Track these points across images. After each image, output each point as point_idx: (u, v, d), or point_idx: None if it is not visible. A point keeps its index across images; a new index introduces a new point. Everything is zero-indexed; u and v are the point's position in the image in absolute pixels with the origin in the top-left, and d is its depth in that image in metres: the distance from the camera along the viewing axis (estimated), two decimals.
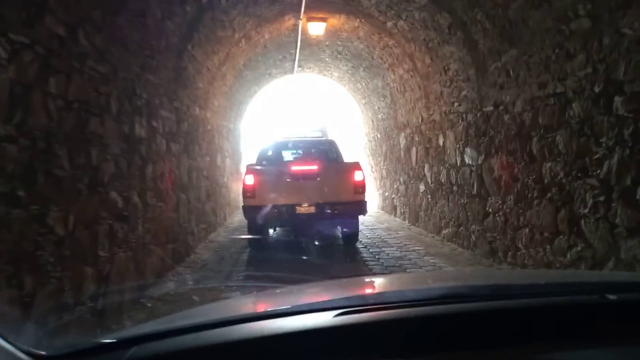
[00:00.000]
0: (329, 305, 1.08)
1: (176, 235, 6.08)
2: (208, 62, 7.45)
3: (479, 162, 6.24)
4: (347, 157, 11.93)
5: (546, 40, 4.58)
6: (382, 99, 11.56)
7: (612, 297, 1.06)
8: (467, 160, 6.66)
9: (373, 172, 13.71)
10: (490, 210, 5.95)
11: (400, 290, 1.50)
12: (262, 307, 1.39)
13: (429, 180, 8.39)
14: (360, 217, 8.01)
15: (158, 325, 1.19)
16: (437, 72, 7.62)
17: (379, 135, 12.80)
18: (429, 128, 8.37)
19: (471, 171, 6.54)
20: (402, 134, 10.21)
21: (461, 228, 6.96)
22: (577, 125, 4.21)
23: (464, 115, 6.79)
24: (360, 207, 7.06)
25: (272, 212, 6.70)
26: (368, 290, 1.55)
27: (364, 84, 12.56)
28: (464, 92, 6.74)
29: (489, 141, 5.95)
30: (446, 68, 7.20)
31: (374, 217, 11.34)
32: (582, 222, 4.12)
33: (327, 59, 12.31)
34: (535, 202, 4.90)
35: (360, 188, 7.04)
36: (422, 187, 8.82)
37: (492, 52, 5.69)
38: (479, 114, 6.25)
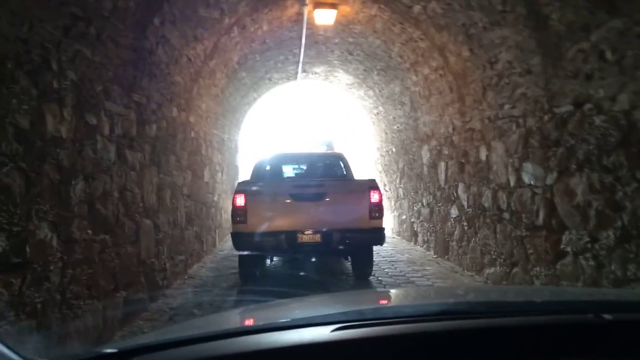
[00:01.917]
0: (327, 319, 1.07)
1: (134, 276, 4.43)
2: (188, 51, 5.87)
3: (548, 182, 4.59)
4: (357, 175, 10.63)
5: None
6: (400, 106, 9.97)
7: (607, 316, 1.05)
8: (526, 179, 5.02)
9: (387, 191, 12.06)
10: (569, 249, 4.28)
11: (398, 305, 1.56)
12: (260, 320, 1.35)
13: (465, 203, 6.73)
14: (375, 248, 6.64)
15: (158, 337, 1.23)
16: (478, 66, 6.02)
17: (394, 149, 11.18)
18: (465, 138, 6.74)
19: (533, 194, 4.88)
20: (425, 147, 8.58)
21: (516, 269, 5.28)
22: None
23: (520, 120, 5.16)
24: (376, 235, 5.74)
25: (267, 240, 5.44)
26: (365, 305, 1.50)
27: (377, 91, 10.98)
28: (520, 90, 5.12)
29: (565, 153, 4.31)
30: (493, 60, 5.59)
31: (390, 244, 9.64)
32: None
33: (336, 61, 10.76)
34: None
35: (377, 212, 5.71)
36: (454, 212, 7.16)
37: (574, 29, 4.08)
38: (546, 117, 4.62)
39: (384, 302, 1.68)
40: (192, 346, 0.99)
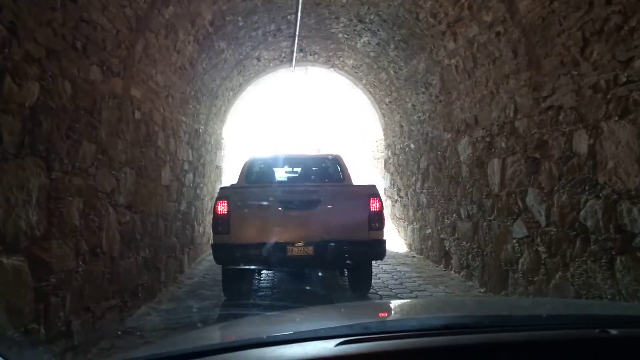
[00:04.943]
0: (331, 333, 1.07)
1: None
2: None
3: None
4: (361, 180, 9.23)
5: None
6: (423, 89, 7.78)
7: (613, 331, 1.03)
8: None
9: (401, 197, 9.87)
10: None
11: (403, 319, 1.52)
12: (263, 332, 1.28)
13: (542, 217, 4.53)
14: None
15: (151, 351, 1.21)
16: (575, 7, 3.84)
17: (412, 146, 8.99)
18: (540, 122, 4.55)
19: None
20: (464, 140, 6.40)
21: None
22: None
23: None
24: (376, 249, 5.21)
25: (253, 253, 4.94)
26: (370, 318, 1.49)
27: (392, 72, 8.80)
28: None
29: None
30: None
31: (413, 266, 7.45)
32: None
33: (341, 35, 8.58)
34: None
35: (377, 222, 5.18)
36: (519, 230, 4.95)
37: None
38: None
39: (388, 314, 1.62)
40: None
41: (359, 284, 5.66)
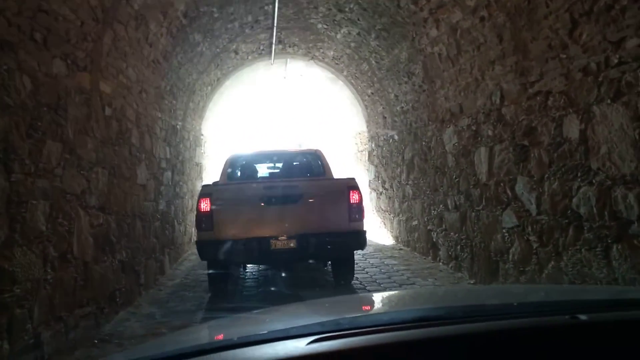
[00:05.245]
0: (303, 331, 1.07)
1: None
2: None
3: None
4: (344, 173, 9.25)
5: None
6: (406, 79, 7.63)
7: (582, 317, 1.05)
8: None
9: (386, 189, 9.73)
10: None
11: (375, 313, 1.53)
12: (233, 334, 1.29)
13: (532, 206, 4.41)
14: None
15: (129, 355, 1.25)
16: None
17: (396, 137, 8.84)
18: (528, 109, 4.43)
19: None
20: (450, 129, 6.26)
21: None
22: None
23: None
24: (357, 239, 5.34)
25: (237, 249, 5.02)
26: (343, 314, 1.46)
27: (373, 62, 8.62)
28: None
29: None
30: None
31: (400, 259, 7.32)
32: None
33: (321, 25, 8.37)
34: None
35: (357, 213, 5.30)
36: (509, 219, 4.83)
37: None
38: None
39: (361, 309, 1.64)
40: None
41: (342, 275, 5.78)
